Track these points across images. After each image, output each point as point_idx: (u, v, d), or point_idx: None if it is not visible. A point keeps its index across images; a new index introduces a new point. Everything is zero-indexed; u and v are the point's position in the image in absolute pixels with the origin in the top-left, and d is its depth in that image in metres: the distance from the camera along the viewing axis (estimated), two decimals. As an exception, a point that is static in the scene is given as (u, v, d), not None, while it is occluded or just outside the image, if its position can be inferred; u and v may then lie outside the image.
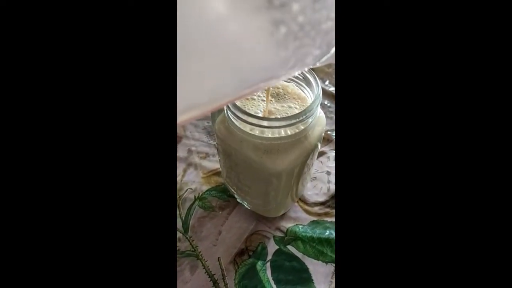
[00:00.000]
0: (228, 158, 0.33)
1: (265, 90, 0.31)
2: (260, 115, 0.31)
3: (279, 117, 0.30)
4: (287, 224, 0.38)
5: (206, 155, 0.44)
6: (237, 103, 0.29)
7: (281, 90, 0.34)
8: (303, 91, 0.33)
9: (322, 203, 0.40)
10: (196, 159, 0.44)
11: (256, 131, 0.29)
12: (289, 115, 0.30)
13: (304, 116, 0.28)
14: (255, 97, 0.33)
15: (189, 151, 0.44)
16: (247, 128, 0.29)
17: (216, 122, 0.32)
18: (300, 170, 0.32)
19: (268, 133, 0.29)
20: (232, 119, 0.29)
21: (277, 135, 0.29)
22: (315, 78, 0.30)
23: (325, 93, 0.52)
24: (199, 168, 0.43)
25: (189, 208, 0.39)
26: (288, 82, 0.34)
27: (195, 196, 0.40)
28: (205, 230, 0.38)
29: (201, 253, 0.36)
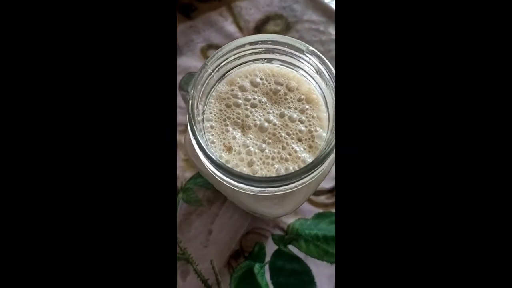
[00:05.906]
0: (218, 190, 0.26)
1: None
2: (253, 133, 0.22)
3: (271, 175, 0.21)
4: (288, 220, 0.33)
5: (187, 128, 0.35)
6: (215, 132, 0.20)
7: (279, 87, 0.23)
8: (314, 89, 0.23)
9: (329, 191, 0.34)
10: (174, 134, 0.35)
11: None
12: (292, 171, 0.21)
13: (314, 171, 0.19)
14: (241, 103, 0.23)
15: (165, 120, 0.35)
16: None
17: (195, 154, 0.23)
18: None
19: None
20: (212, 172, 0.20)
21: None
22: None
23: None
24: (179, 147, 0.35)
25: (172, 203, 0.33)
26: (293, 70, 0.23)
27: (177, 187, 0.34)
28: (193, 229, 0.33)
29: (191, 256, 0.32)
